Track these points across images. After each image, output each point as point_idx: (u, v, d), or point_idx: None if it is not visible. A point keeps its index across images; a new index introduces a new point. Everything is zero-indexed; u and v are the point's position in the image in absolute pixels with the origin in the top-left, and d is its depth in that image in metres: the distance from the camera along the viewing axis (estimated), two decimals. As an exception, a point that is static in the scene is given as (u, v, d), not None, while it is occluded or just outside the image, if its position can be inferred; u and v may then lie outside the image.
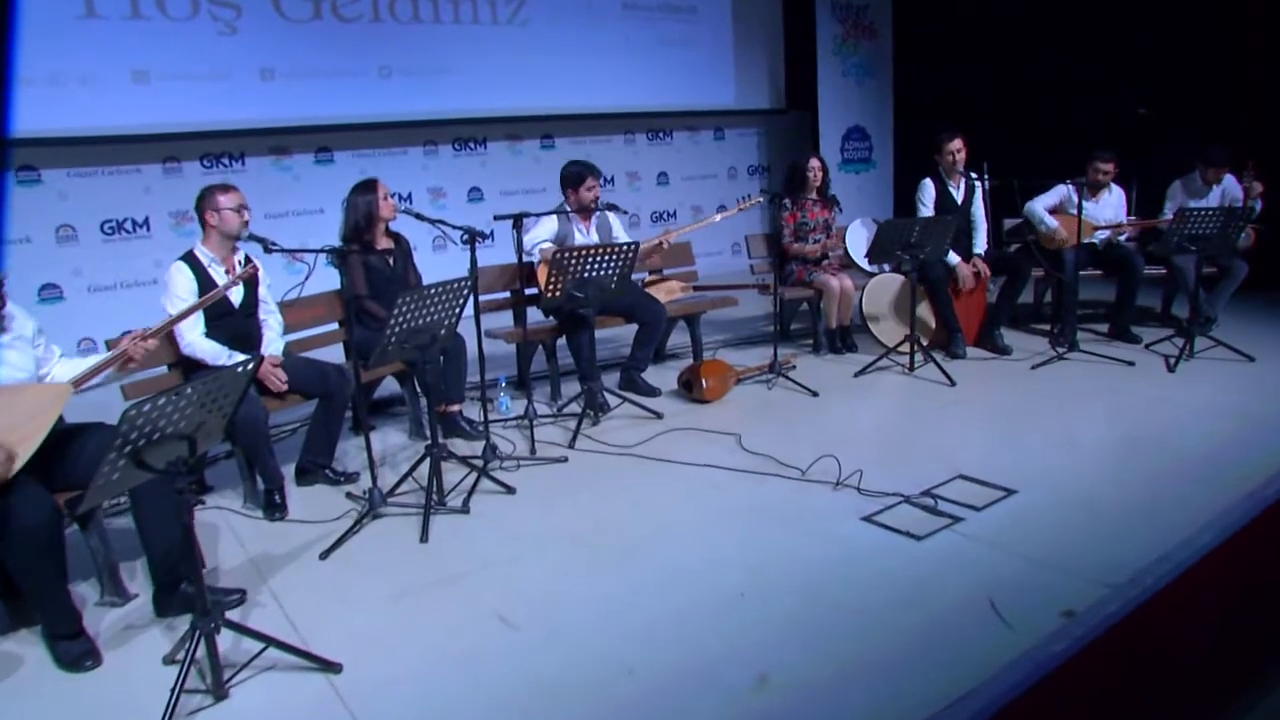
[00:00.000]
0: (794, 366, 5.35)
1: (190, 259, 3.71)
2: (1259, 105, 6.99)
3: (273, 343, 3.89)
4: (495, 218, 4.35)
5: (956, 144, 5.60)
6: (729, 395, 4.99)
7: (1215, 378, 4.99)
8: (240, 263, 3.82)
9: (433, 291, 3.38)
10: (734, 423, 4.50)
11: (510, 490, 3.76)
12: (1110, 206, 5.93)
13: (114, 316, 5.98)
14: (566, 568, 3.14)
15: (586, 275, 4.31)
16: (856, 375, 5.29)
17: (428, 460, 3.63)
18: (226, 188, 3.75)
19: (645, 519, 3.51)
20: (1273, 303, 6.44)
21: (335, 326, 4.48)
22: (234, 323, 3.76)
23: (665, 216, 8.67)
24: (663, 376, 5.25)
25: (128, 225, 6.12)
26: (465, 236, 3.83)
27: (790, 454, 4.02)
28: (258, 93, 6.28)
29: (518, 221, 4.33)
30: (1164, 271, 5.95)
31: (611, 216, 5.20)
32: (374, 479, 3.56)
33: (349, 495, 3.79)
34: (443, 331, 3.59)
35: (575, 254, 4.24)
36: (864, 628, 2.70)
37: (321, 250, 3.53)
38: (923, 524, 3.33)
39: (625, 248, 4.37)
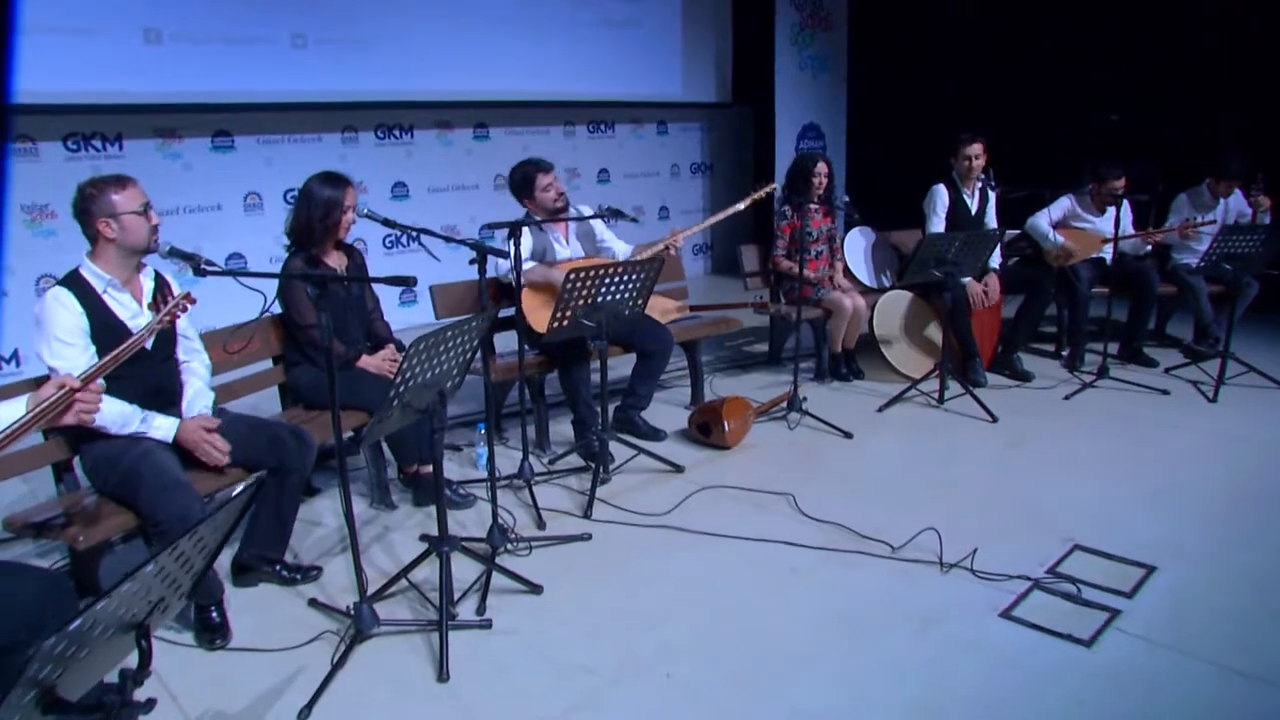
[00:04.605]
0: (805, 398, 4.63)
1: (75, 283, 2.62)
2: (1244, 112, 6.77)
3: (199, 395, 2.84)
4: (484, 226, 3.44)
5: (976, 148, 5.01)
6: (747, 438, 4.23)
7: (1262, 409, 4.59)
8: (148, 283, 2.77)
9: (449, 334, 2.45)
10: (773, 477, 3.74)
11: (535, 589, 2.86)
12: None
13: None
14: (658, 720, 2.29)
15: (599, 299, 3.46)
16: (881, 410, 4.63)
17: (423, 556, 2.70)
18: (121, 181, 2.66)
19: (730, 629, 2.69)
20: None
21: (270, 365, 3.45)
22: (145, 370, 2.68)
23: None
24: (656, 413, 4.44)
25: (-37, 222, 4.78)
26: (474, 257, 2.89)
27: (862, 520, 3.30)
28: (140, 59, 5.00)
29: (515, 231, 3.43)
30: (1174, 289, 5.59)
31: (595, 224, 4.36)
32: (363, 593, 2.57)
33: (314, 603, 2.80)
34: (449, 385, 2.66)
35: (590, 274, 3.38)
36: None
37: (282, 275, 2.53)
38: (1077, 621, 2.68)
39: (647, 263, 3.54)
